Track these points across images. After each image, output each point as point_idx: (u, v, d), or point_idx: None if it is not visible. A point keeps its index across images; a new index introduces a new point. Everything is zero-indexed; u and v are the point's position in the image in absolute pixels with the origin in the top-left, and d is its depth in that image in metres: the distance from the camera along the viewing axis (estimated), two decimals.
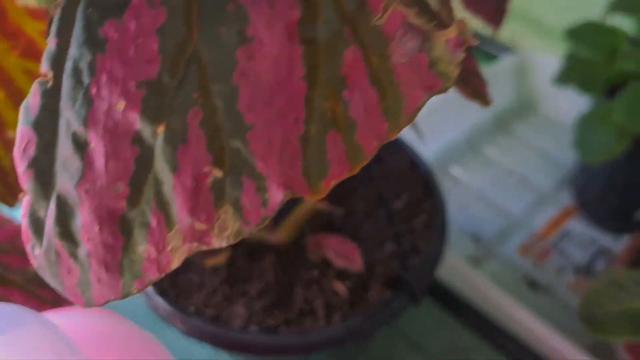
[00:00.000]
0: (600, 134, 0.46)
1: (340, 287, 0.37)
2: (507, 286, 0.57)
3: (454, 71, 0.13)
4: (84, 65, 0.13)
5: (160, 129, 0.13)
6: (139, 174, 0.13)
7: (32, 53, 0.35)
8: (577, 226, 0.62)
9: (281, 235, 0.38)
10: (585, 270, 0.59)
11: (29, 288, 0.43)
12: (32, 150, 0.13)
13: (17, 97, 0.35)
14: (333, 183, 0.13)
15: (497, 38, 0.79)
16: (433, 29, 0.13)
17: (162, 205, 0.13)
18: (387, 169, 0.49)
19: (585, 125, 0.47)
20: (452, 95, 0.26)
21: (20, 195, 0.14)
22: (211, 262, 0.37)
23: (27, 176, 0.13)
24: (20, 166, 0.13)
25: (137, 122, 0.13)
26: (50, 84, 0.13)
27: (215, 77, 0.13)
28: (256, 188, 0.13)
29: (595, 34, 0.48)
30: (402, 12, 0.13)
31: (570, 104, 0.66)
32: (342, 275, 0.39)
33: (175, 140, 0.13)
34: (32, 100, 0.13)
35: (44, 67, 0.13)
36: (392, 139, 0.13)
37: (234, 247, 0.39)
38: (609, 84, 0.47)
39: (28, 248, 0.13)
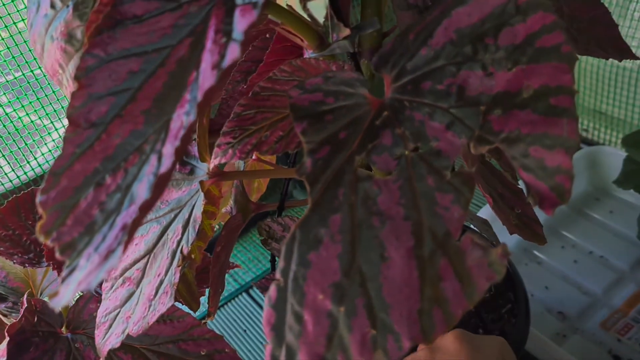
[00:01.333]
0: None
1: None
2: (592, 359, 0.63)
3: (503, 269, 0.23)
4: (299, 275, 0.24)
5: (342, 309, 0.24)
6: (331, 334, 0.24)
7: (209, 198, 0.49)
8: None
9: None
10: None
11: None
12: (273, 320, 0.24)
13: (199, 234, 0.48)
14: (439, 335, 0.23)
15: None
16: (489, 246, 0.24)
17: (344, 351, 0.24)
18: None
19: None
20: None
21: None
22: None
23: (270, 335, 0.24)
24: (266, 329, 0.24)
25: (330, 305, 0.24)
26: (281, 284, 0.24)
27: (369, 279, 0.24)
28: (394, 340, 0.23)
29: None
30: (470, 237, 0.24)
31: None
32: None
33: (350, 315, 0.24)
34: (272, 293, 0.24)
35: (277, 275, 0.24)
36: (470, 309, 0.23)
37: None
38: None
39: None
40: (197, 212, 0.38)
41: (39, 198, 0.24)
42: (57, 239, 0.24)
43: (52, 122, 0.81)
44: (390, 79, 0.27)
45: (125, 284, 0.41)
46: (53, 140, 0.81)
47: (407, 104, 0.26)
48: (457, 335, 0.44)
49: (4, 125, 0.76)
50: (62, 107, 0.80)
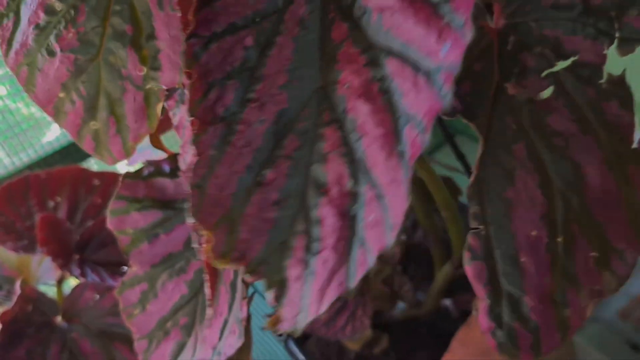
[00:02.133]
0: None
1: None
2: (610, 348, 0.62)
3: None
4: (501, 216, 0.22)
5: (560, 239, 0.21)
6: (553, 267, 0.21)
7: None
8: None
9: (426, 307, 0.45)
10: None
11: None
12: (483, 273, 0.21)
13: None
14: None
15: None
16: None
17: (571, 281, 0.21)
18: None
19: None
20: None
21: None
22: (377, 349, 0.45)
23: (484, 290, 0.21)
24: (477, 285, 0.21)
25: (545, 238, 0.21)
26: (482, 232, 0.22)
27: (574, 200, 0.22)
28: (618, 257, 0.22)
29: None
30: None
31: None
32: None
33: (569, 243, 0.22)
34: (474, 244, 0.22)
35: (474, 223, 0.22)
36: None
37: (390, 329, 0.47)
38: None
39: (489, 334, 0.21)
40: None
41: (194, 219, 0.19)
42: (239, 259, 0.19)
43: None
44: (501, 6, 0.26)
45: (169, 337, 0.35)
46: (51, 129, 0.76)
47: (533, 24, 0.25)
48: None
49: None
50: None
